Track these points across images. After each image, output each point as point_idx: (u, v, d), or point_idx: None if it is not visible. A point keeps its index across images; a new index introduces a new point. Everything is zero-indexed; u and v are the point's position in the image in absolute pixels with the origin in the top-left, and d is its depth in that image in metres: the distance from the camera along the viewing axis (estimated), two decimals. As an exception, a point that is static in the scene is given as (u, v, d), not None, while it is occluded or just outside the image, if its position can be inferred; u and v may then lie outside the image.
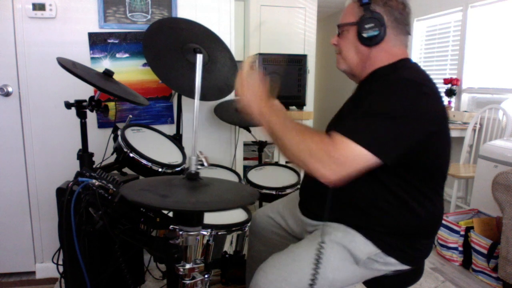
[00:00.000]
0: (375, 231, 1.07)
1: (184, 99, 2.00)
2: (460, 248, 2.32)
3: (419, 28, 4.10)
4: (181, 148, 1.74)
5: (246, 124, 2.01)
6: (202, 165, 1.03)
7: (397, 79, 1.03)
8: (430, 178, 1.07)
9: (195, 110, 1.11)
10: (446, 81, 3.49)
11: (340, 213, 1.11)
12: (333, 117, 1.29)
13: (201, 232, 1.02)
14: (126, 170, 1.56)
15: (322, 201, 1.09)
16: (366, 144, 0.91)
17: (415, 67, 1.11)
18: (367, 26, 1.07)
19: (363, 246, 1.06)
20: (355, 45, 1.12)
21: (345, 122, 1.01)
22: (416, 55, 4.11)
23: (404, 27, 1.11)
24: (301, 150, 0.94)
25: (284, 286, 1.02)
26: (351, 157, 0.91)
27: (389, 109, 0.96)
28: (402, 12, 1.09)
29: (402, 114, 0.95)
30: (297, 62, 2.55)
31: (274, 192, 1.81)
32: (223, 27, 2.09)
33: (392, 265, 1.09)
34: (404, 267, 1.11)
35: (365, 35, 1.08)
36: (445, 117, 1.05)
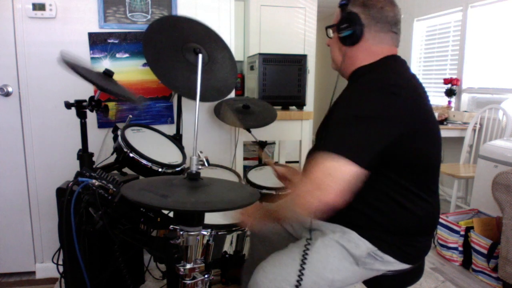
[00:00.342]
0: (371, 230, 1.07)
1: (184, 99, 2.00)
2: (460, 248, 2.33)
3: (419, 28, 4.10)
4: (181, 148, 1.74)
5: (246, 124, 2.01)
6: (203, 165, 1.04)
7: (366, 80, 1.05)
8: (417, 177, 1.07)
9: (196, 110, 1.11)
10: (446, 81, 3.50)
11: (336, 213, 1.11)
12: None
13: (201, 232, 1.02)
14: (126, 170, 1.56)
15: None
16: (339, 151, 0.92)
17: (392, 66, 1.10)
18: (342, 26, 1.11)
19: (360, 244, 1.07)
20: (338, 46, 1.17)
21: (322, 140, 1.06)
22: (416, 55, 4.11)
23: (385, 25, 1.10)
24: (294, 205, 1.02)
25: (284, 285, 1.02)
26: (327, 170, 0.92)
27: (356, 113, 0.98)
28: (381, 10, 1.08)
29: (368, 116, 0.97)
30: (297, 62, 2.54)
31: (274, 192, 1.81)
32: (223, 27, 2.10)
33: (390, 263, 1.09)
34: (403, 266, 1.11)
35: (341, 35, 1.12)
36: (423, 117, 1.04)
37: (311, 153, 1.17)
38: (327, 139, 1.00)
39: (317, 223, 1.18)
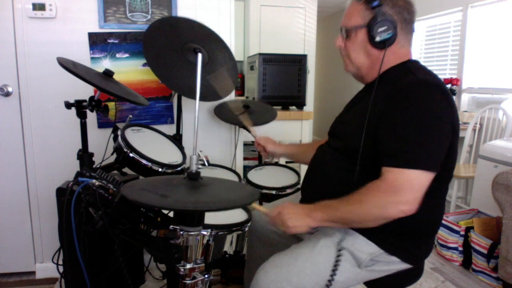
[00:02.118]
0: (378, 232, 1.05)
1: (184, 99, 2.00)
2: (460, 248, 2.32)
3: (419, 28, 4.10)
4: (181, 148, 1.74)
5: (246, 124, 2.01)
6: (203, 164, 1.03)
7: (417, 82, 1.01)
8: (439, 178, 1.05)
9: (196, 110, 1.11)
10: (446, 81, 3.50)
11: None
12: (336, 119, 1.28)
13: (201, 232, 1.02)
14: (126, 170, 1.56)
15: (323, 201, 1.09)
16: (416, 166, 0.93)
17: (423, 67, 1.10)
18: (380, 29, 1.04)
19: (365, 247, 1.06)
20: (365, 48, 1.10)
21: (384, 150, 0.99)
22: (416, 55, 4.11)
23: (411, 27, 1.10)
24: (375, 214, 0.97)
25: (286, 285, 1.02)
26: (408, 183, 0.93)
27: (422, 119, 0.96)
28: (410, 12, 1.07)
29: (435, 117, 0.96)
30: (297, 62, 2.54)
31: (274, 192, 1.81)
32: (223, 27, 2.09)
33: (394, 264, 1.09)
34: (406, 265, 1.11)
35: (378, 38, 1.05)
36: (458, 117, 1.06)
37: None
38: (403, 152, 0.95)
39: None
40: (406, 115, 0.97)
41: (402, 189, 0.93)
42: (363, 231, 1.07)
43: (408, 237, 1.08)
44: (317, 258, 1.05)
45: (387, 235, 1.06)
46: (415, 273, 1.20)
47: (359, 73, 1.15)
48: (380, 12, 1.04)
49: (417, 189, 0.93)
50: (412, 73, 1.04)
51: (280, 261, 1.07)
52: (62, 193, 1.57)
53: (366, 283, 1.18)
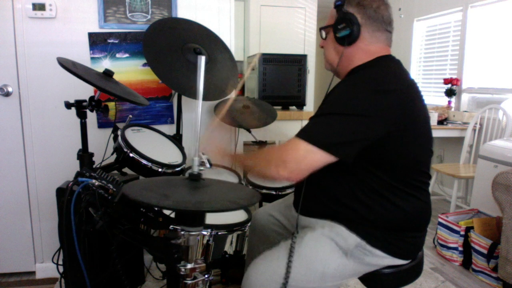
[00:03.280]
0: (358, 224, 1.09)
1: (184, 99, 2.00)
2: (460, 248, 2.33)
3: (419, 28, 4.10)
4: (181, 148, 1.74)
5: (246, 124, 2.01)
6: (206, 166, 1.04)
7: (357, 78, 1.08)
8: (405, 175, 1.08)
9: (198, 111, 1.11)
10: (446, 81, 3.50)
11: (325, 209, 1.14)
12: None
13: (202, 232, 1.02)
14: (126, 170, 1.56)
15: (311, 197, 1.16)
16: (317, 142, 0.98)
17: (386, 65, 1.12)
18: (339, 26, 1.12)
19: (347, 237, 1.09)
20: (334, 46, 1.18)
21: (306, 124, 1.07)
22: (416, 55, 4.11)
23: (381, 24, 1.12)
24: (259, 164, 1.08)
25: (274, 277, 1.05)
26: (301, 156, 0.99)
27: (343, 108, 1.01)
28: (376, 10, 1.11)
29: (356, 112, 0.99)
30: (297, 62, 2.55)
31: (274, 192, 1.81)
32: (223, 27, 2.09)
33: (381, 258, 1.10)
34: (398, 261, 1.12)
35: (338, 35, 1.13)
36: (413, 116, 1.05)
37: None
38: (308, 128, 1.04)
39: (307, 220, 1.20)
40: (329, 100, 1.09)
41: (288, 153, 1.00)
42: (344, 223, 1.10)
43: (390, 230, 1.09)
44: (304, 251, 1.07)
45: (368, 227, 1.08)
46: (414, 271, 1.20)
47: (333, 70, 1.22)
48: (342, 11, 1.12)
49: (301, 160, 0.99)
50: (366, 69, 1.10)
51: (270, 255, 1.11)
52: (62, 193, 1.57)
53: (364, 281, 1.19)
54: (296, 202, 1.28)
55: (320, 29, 1.23)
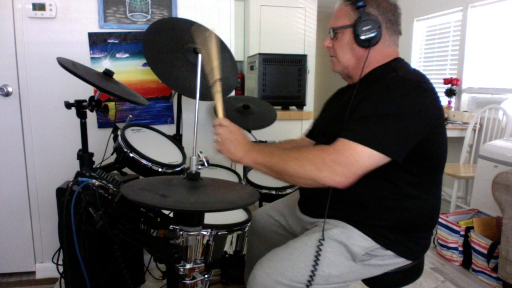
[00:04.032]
0: (374, 227, 1.08)
1: (184, 99, 2.00)
2: (460, 248, 2.32)
3: (419, 28, 4.10)
4: (181, 148, 1.74)
5: (246, 124, 2.01)
6: (203, 165, 1.04)
7: (396, 78, 1.06)
8: (433, 173, 1.11)
9: (196, 110, 1.11)
10: (446, 81, 3.49)
11: (339, 210, 1.12)
12: (325, 119, 1.34)
13: (201, 232, 1.02)
14: (126, 170, 1.56)
15: (321, 198, 1.11)
16: (372, 144, 0.95)
17: (408, 66, 1.14)
18: (364, 28, 1.09)
19: (361, 241, 1.08)
20: (351, 47, 1.14)
21: (347, 126, 1.03)
22: (416, 55, 4.11)
23: (397, 27, 1.14)
24: (308, 170, 0.98)
25: (280, 279, 1.04)
26: (357, 158, 0.95)
27: (393, 108, 1.00)
28: (394, 13, 1.12)
29: (406, 112, 0.99)
30: (297, 62, 2.55)
31: (274, 192, 1.81)
32: (223, 27, 2.09)
33: (390, 258, 1.10)
34: (402, 260, 1.12)
35: (362, 37, 1.10)
36: (442, 113, 1.10)
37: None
38: (359, 130, 0.99)
39: (317, 220, 1.18)
40: (373, 101, 1.03)
41: (343, 158, 0.96)
42: (359, 226, 1.09)
43: (405, 232, 1.09)
44: (310, 252, 1.06)
45: (383, 229, 1.08)
46: (415, 271, 1.20)
47: (346, 72, 1.20)
48: (365, 12, 1.09)
49: (356, 164, 0.96)
50: (394, 70, 1.09)
51: (275, 255, 1.10)
52: (62, 193, 1.57)
53: (366, 282, 1.18)
54: (307, 203, 1.26)
55: (333, 29, 1.17)
